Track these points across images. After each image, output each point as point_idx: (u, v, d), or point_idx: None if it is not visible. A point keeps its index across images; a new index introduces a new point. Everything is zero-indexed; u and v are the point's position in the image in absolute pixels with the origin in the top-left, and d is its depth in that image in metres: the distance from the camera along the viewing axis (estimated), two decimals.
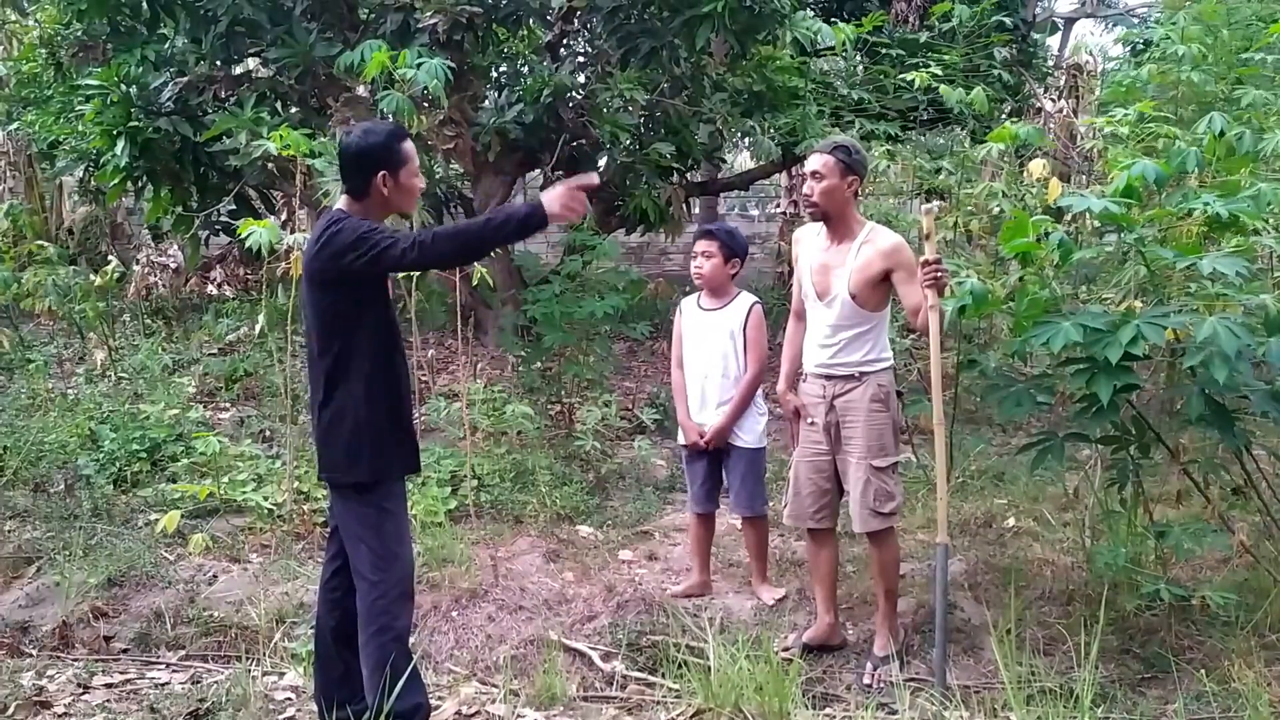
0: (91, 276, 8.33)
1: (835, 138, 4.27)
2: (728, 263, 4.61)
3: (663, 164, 8.14)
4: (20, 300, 8.13)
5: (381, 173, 3.20)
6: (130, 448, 6.05)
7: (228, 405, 7.70)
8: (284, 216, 8.68)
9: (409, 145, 3.29)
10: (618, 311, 6.88)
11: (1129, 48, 11.85)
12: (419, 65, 5.09)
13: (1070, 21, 18.83)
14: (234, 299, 10.51)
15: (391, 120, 5.21)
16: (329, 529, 3.49)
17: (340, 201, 3.29)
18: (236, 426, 7.01)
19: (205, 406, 7.41)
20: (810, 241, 4.12)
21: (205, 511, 5.40)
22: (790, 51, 8.13)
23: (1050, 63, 12.76)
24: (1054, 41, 16.89)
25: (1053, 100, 10.20)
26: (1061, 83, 10.65)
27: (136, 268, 10.40)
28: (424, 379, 7.67)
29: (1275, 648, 3.90)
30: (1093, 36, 20.22)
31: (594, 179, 3.27)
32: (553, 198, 3.14)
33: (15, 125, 10.68)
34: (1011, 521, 5.51)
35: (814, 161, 3.98)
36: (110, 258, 8.86)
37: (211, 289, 11.04)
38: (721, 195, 12.67)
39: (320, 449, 3.30)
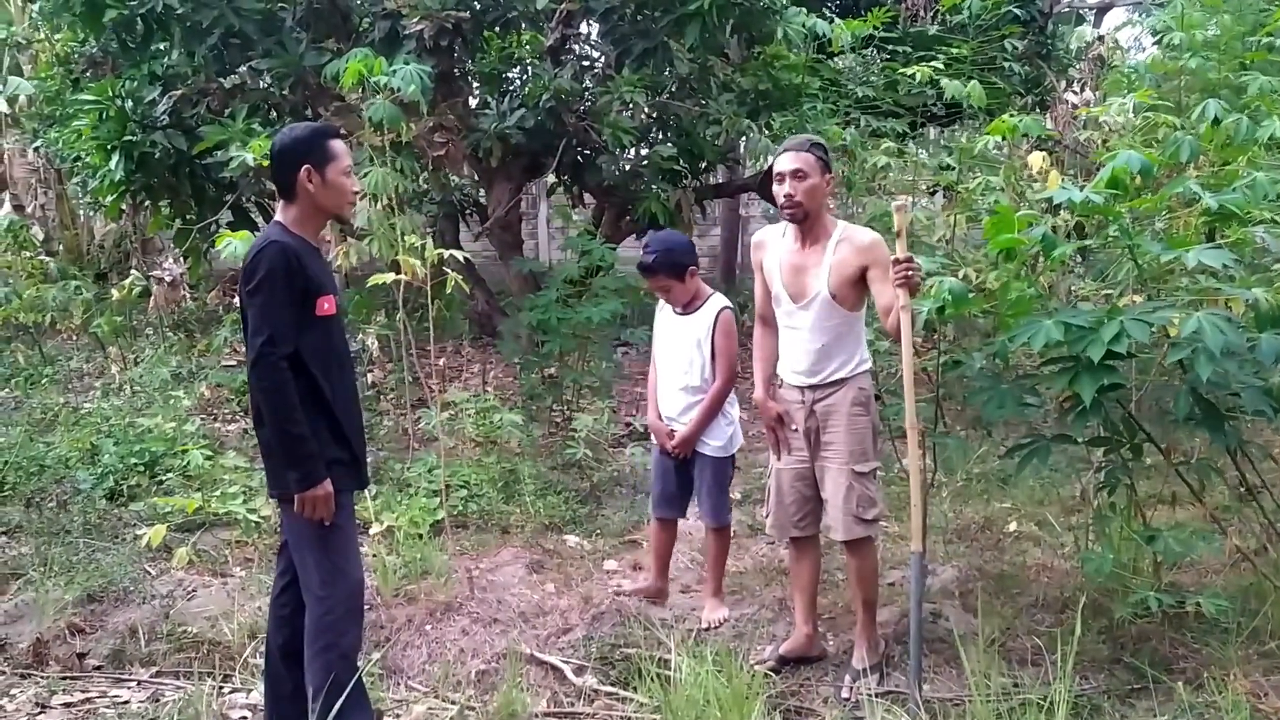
0: (113, 291, 8.39)
1: (805, 135, 4.12)
2: (684, 281, 4.42)
3: (666, 167, 8.02)
4: (17, 313, 8.20)
5: (305, 167, 3.15)
6: (129, 461, 6.05)
7: (237, 416, 7.71)
8: None
9: (338, 144, 3.23)
10: (616, 317, 6.79)
11: (1156, 37, 11.57)
12: (394, 72, 5.03)
13: (1102, 11, 18.42)
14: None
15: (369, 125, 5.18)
16: (279, 545, 3.44)
17: (278, 211, 3.24)
18: (241, 438, 7.00)
19: (214, 418, 7.42)
20: (777, 244, 3.94)
21: (195, 525, 5.38)
22: (798, 48, 7.98)
23: (1076, 54, 12.45)
24: (1085, 31, 16.51)
25: (1075, 92, 9.93)
26: (1085, 74, 10.36)
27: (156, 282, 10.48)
28: (434, 387, 7.63)
29: (1273, 655, 3.72)
30: (1129, 28, 19.77)
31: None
32: (317, 494, 3.09)
33: (39, 142, 10.80)
34: (1014, 526, 5.33)
35: (794, 160, 3.77)
36: (133, 271, 8.91)
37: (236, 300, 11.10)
38: (743, 195, 12.50)
39: (264, 463, 3.25)
